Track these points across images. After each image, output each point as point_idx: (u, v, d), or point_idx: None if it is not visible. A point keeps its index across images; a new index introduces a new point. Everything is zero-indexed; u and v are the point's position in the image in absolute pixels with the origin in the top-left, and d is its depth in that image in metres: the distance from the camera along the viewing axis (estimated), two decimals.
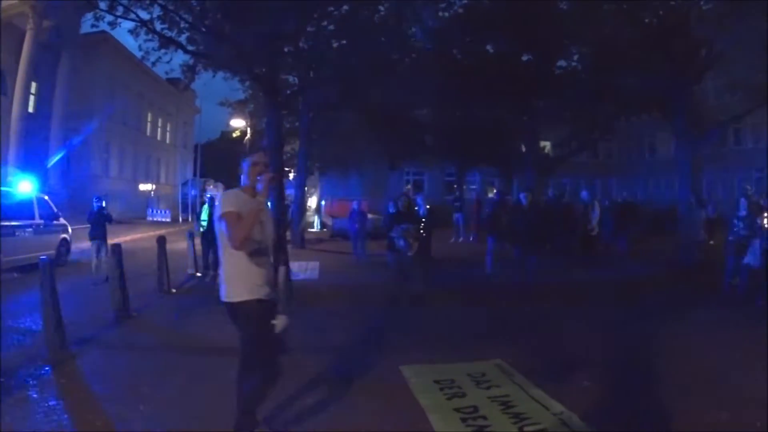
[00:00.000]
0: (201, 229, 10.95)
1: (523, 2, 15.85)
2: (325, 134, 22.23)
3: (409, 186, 30.44)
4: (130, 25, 10.29)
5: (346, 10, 11.99)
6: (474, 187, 31.66)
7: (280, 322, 3.30)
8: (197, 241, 11.18)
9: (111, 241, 9.20)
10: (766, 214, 8.76)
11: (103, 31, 15.78)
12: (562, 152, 23.02)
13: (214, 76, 14.78)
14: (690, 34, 13.44)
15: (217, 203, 3.34)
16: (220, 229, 3.15)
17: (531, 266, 9.26)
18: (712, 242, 13.69)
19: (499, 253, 10.58)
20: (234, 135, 26.91)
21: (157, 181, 41.94)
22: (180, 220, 31.70)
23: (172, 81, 33.50)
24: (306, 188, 22.38)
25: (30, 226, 10.95)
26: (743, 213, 8.81)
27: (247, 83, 18.41)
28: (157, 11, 9.89)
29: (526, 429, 3.65)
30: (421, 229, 9.26)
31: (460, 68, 18.68)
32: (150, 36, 10.41)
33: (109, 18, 9.82)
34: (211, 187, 24.35)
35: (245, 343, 3.29)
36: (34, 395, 4.23)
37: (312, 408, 4.03)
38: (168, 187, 42.43)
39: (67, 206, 24.75)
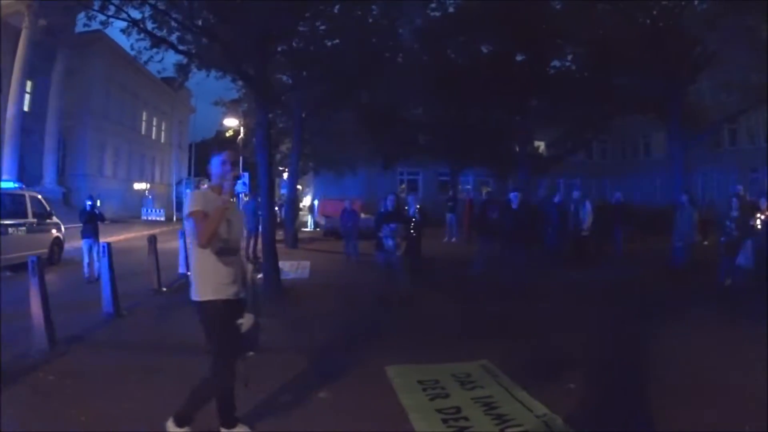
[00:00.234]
0: None
1: (517, 2, 15.87)
2: (319, 134, 22.19)
3: (403, 186, 30.47)
4: (123, 24, 10.28)
5: (339, 10, 11.98)
6: (468, 187, 31.70)
7: (246, 321, 3.29)
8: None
9: (104, 240, 9.18)
10: (758, 215, 8.80)
11: (99, 30, 15.78)
12: (557, 152, 23.05)
13: (207, 75, 14.78)
14: (684, 34, 13.48)
15: (185, 202, 3.35)
16: (188, 227, 3.21)
17: (520, 266, 9.19)
18: (705, 243, 13.70)
19: (488, 254, 10.54)
20: (227, 134, 26.82)
21: (151, 180, 41.90)
22: (174, 219, 31.67)
23: (167, 80, 33.39)
24: (300, 188, 22.32)
25: (23, 224, 10.94)
26: (735, 214, 8.85)
27: (240, 82, 18.37)
28: (148, 11, 9.87)
29: (507, 430, 3.64)
30: (411, 228, 9.28)
31: (453, 68, 18.72)
32: (141, 35, 10.40)
33: (101, 17, 9.79)
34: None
35: (210, 342, 3.29)
36: (23, 393, 4.23)
37: (293, 407, 4.03)
38: (163, 186, 42.31)
39: (61, 205, 24.81)
